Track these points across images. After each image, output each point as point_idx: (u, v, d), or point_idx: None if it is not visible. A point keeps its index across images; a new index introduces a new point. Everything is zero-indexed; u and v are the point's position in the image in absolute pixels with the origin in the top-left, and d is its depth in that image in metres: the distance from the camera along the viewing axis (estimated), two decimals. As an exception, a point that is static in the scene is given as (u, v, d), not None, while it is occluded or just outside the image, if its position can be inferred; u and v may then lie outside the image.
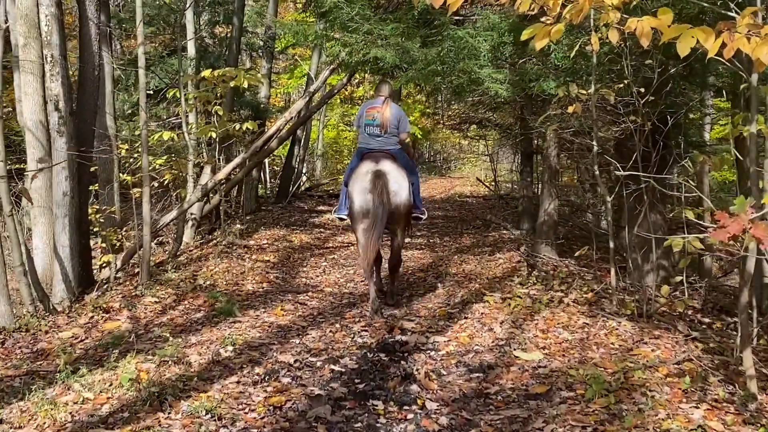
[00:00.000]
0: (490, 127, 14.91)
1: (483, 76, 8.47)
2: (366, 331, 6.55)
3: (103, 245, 10.80)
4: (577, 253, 7.68)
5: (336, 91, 13.24)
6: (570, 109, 6.99)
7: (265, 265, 9.59)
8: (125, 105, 14.96)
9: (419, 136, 27.13)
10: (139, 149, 12.22)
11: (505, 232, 12.81)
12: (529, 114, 10.82)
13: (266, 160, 24.01)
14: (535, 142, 13.26)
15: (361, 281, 9.11)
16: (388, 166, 7.23)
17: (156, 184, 12.81)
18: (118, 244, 10.26)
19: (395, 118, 7.58)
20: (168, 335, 6.03)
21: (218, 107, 10.72)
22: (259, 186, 21.52)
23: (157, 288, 8.06)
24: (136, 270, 9.19)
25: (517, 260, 9.94)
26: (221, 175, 10.12)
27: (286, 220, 14.00)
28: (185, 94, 10.82)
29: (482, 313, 7.06)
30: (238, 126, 10.60)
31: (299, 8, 22.10)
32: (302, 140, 17.91)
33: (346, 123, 24.42)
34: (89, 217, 10.13)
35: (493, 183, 18.84)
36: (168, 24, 14.68)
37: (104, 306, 7.26)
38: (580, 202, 19.35)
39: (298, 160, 17.69)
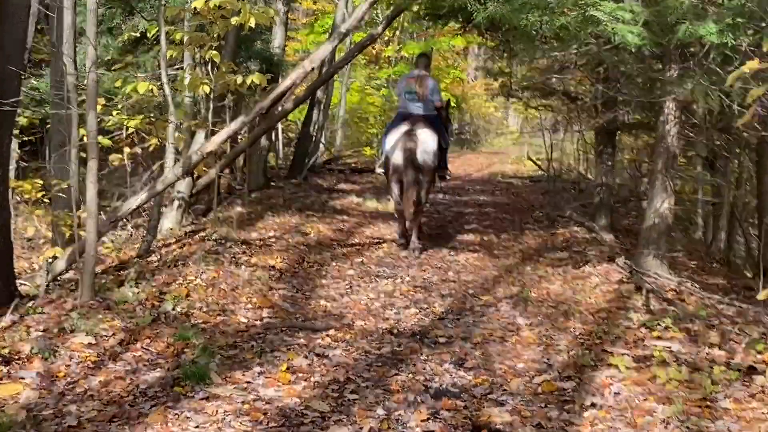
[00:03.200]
0: (556, 96, 12.03)
1: (603, 15, 5.64)
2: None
3: (50, 234, 8.10)
4: (762, 295, 4.84)
5: (368, 42, 10.36)
6: (751, 66, 4.19)
7: (268, 275, 6.80)
8: (109, 51, 12.12)
9: (453, 104, 24.25)
10: (119, 105, 9.55)
11: (576, 229, 10.00)
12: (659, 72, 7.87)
13: (280, 125, 21.24)
14: (619, 116, 10.40)
15: (404, 306, 6.36)
16: (420, 128, 8.26)
17: (139, 151, 10.09)
18: (68, 234, 7.53)
19: (430, 88, 8.70)
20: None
21: (214, 53, 7.90)
22: (271, 155, 18.77)
23: (101, 315, 5.29)
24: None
25: (617, 278, 7.15)
26: (210, 146, 7.29)
27: (300, 202, 11.19)
28: (170, 33, 8.00)
29: (618, 395, 4.28)
30: (240, 79, 7.79)
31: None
32: (322, 104, 15.04)
33: (372, 86, 21.51)
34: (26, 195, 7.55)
35: (546, 162, 15.95)
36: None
37: (4, 353, 4.52)
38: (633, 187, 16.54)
39: (316, 127, 14.83)
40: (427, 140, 8.18)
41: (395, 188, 8.36)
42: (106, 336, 4.96)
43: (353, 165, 17.18)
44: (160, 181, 6.93)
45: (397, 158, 8.17)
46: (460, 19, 9.04)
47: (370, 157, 19.38)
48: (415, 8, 9.53)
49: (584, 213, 10.97)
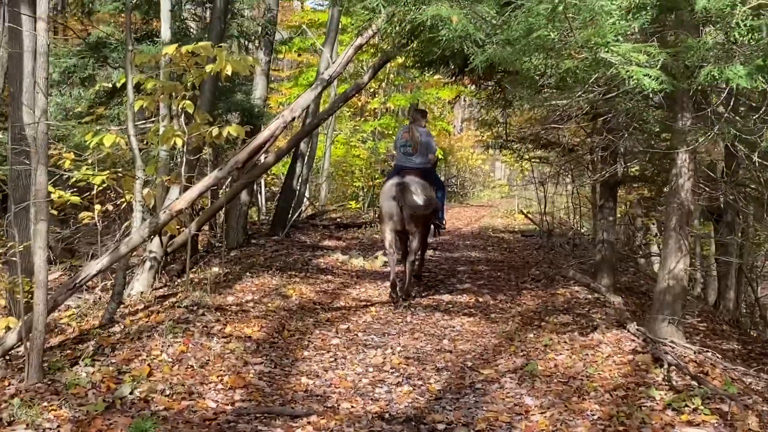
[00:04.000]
0: (551, 147, 11.50)
1: (615, 58, 5.06)
2: None
3: (4, 302, 7.37)
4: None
5: (353, 92, 9.86)
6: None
7: (243, 347, 6.08)
8: (80, 103, 11.53)
9: (440, 157, 23.75)
10: (89, 160, 8.94)
11: (577, 289, 9.37)
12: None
13: (262, 179, 20.63)
14: (621, 168, 9.84)
15: (396, 383, 5.65)
16: (411, 179, 8.47)
17: (111, 208, 9.43)
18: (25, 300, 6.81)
19: (424, 140, 8.93)
20: None
21: (188, 103, 7.31)
22: (254, 209, 18.10)
23: (47, 402, 4.58)
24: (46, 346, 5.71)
25: (630, 348, 6.47)
26: (181, 203, 6.63)
27: (281, 261, 10.51)
28: (141, 82, 7.39)
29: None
30: (216, 131, 7.19)
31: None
32: (306, 157, 14.44)
33: (358, 139, 20.92)
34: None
35: (539, 216, 15.38)
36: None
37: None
38: (626, 241, 15.97)
39: (300, 181, 14.20)
40: (417, 189, 8.38)
41: (387, 235, 8.61)
42: (50, 429, 4.24)
43: (338, 220, 16.54)
44: (124, 243, 6.24)
45: (389, 206, 8.42)
46: (452, 66, 8.52)
47: (355, 212, 18.77)
48: (404, 57, 9.08)
49: (583, 271, 10.34)
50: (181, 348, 5.81)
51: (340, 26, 14.91)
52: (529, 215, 16.26)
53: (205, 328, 6.42)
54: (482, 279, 10.20)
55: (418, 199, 8.35)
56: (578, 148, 11.49)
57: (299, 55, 23.07)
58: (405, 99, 22.43)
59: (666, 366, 5.73)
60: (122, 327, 6.38)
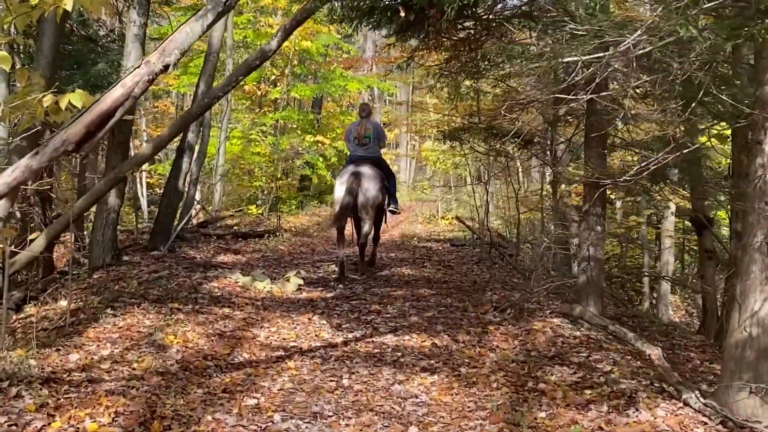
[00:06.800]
0: (507, 138, 9.18)
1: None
2: None
3: None
4: None
5: (258, 62, 7.16)
6: None
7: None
8: None
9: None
10: None
11: (556, 321, 7.11)
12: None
13: (144, 177, 17.76)
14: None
15: None
16: (364, 169, 9.14)
17: None
18: None
19: (375, 132, 9.68)
20: None
21: (4, 55, 4.58)
22: (138, 214, 15.24)
23: None
24: None
25: (707, 438, 4.15)
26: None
27: (160, 287, 7.77)
28: None
29: None
30: (49, 99, 4.47)
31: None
32: (196, 151, 11.68)
33: (258, 133, 18.08)
34: None
35: (476, 223, 13.12)
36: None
37: None
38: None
39: (188, 180, 11.44)
40: (369, 179, 9.02)
41: (340, 219, 9.14)
42: None
43: (236, 228, 13.80)
44: None
45: (341, 192, 8.96)
46: (402, 14, 6.08)
47: (256, 218, 16.04)
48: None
49: (556, 295, 8.05)
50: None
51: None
52: (464, 222, 13.93)
53: (13, 429, 3.72)
54: (430, 309, 7.72)
55: (371, 187, 8.99)
56: (539, 138, 9.25)
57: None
58: (309, 90, 19.88)
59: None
60: None
